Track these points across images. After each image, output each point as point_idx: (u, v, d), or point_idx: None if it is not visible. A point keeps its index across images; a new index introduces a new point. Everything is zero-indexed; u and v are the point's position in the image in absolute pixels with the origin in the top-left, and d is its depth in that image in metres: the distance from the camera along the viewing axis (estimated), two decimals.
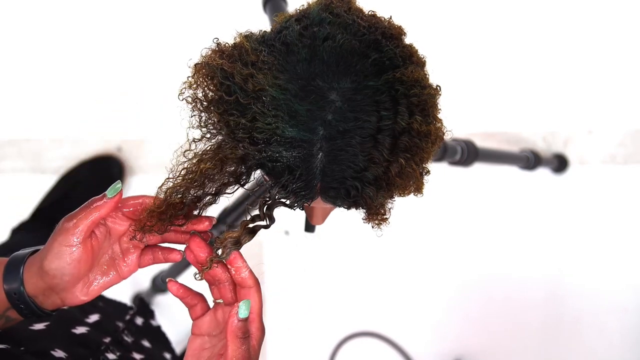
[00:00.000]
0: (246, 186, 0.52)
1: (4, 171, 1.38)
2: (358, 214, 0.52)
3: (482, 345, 1.34)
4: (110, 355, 0.63)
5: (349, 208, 0.50)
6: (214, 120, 0.48)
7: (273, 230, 1.35)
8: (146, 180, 1.36)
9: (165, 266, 1.11)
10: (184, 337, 1.28)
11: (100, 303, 0.75)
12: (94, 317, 0.68)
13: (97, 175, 1.33)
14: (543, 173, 1.30)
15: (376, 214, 0.51)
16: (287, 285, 1.36)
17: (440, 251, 1.34)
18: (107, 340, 0.65)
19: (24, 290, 0.52)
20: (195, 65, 0.49)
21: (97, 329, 0.66)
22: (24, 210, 1.28)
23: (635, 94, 1.29)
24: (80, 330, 0.64)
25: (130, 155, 1.37)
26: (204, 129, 0.50)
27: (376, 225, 0.52)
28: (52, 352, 0.57)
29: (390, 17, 0.52)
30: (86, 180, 1.33)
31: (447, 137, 0.52)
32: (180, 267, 1.10)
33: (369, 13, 0.51)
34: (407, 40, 0.51)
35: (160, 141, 1.37)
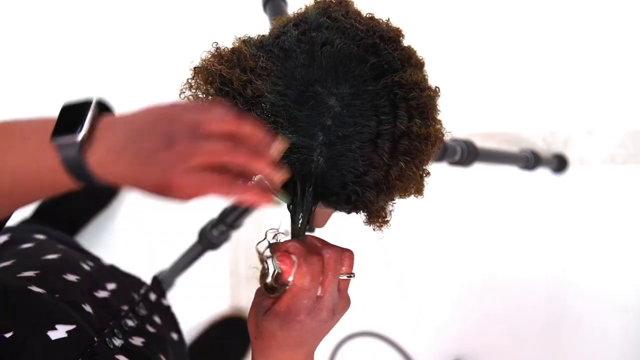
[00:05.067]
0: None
1: None
2: (359, 216, 0.52)
3: (482, 345, 1.34)
4: (130, 322, 0.64)
5: (349, 212, 0.51)
6: None
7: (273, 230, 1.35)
8: None
9: (165, 265, 1.12)
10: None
11: (117, 273, 0.76)
12: (111, 286, 0.69)
13: None
14: (543, 173, 1.30)
15: (377, 217, 0.51)
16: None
17: (440, 251, 1.34)
18: (126, 308, 0.66)
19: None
20: (195, 68, 0.49)
21: (116, 296, 0.67)
22: (24, 209, 1.28)
23: (635, 94, 1.29)
24: (102, 294, 0.65)
25: None
26: None
27: (377, 228, 0.52)
28: (84, 306, 0.57)
29: (389, 19, 0.52)
30: None
31: (447, 137, 0.52)
32: (180, 267, 1.10)
33: (367, 15, 0.51)
34: (406, 41, 0.51)
35: None
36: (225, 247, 1.07)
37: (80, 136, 0.40)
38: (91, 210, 1.34)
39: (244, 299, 1.37)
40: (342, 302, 0.49)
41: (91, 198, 1.33)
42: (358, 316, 1.36)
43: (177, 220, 1.34)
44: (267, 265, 0.48)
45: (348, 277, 0.48)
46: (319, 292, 0.46)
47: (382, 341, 1.34)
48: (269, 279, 0.47)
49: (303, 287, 0.45)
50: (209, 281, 1.35)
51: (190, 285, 1.17)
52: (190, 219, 1.10)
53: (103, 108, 0.43)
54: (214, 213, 0.98)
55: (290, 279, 0.45)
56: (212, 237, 0.98)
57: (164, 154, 0.39)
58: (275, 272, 0.47)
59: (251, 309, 0.49)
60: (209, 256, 1.07)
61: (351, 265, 0.48)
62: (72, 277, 0.61)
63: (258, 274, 0.48)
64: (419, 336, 1.34)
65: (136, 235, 1.37)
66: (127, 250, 1.39)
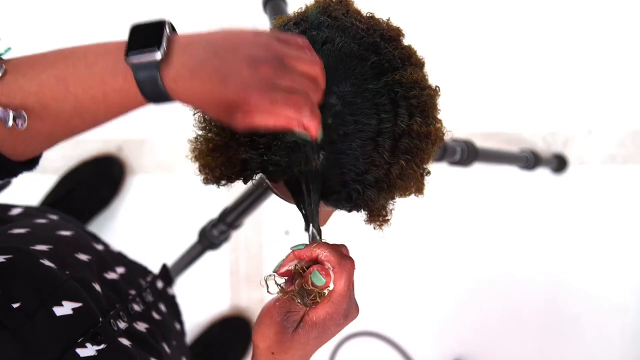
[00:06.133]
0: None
1: None
2: (359, 215, 0.52)
3: (482, 345, 1.34)
4: (136, 306, 0.64)
5: (350, 211, 0.51)
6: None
7: (273, 230, 1.35)
8: (147, 180, 1.36)
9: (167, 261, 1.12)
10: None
11: (125, 260, 0.76)
12: (120, 269, 0.69)
13: (97, 175, 1.33)
14: (543, 173, 1.30)
15: (378, 216, 0.51)
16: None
17: (440, 251, 1.34)
18: (133, 292, 0.66)
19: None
20: None
21: (125, 280, 0.67)
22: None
23: (635, 94, 1.29)
24: (112, 276, 0.65)
25: (130, 155, 1.37)
26: (207, 128, 0.49)
27: (378, 227, 0.52)
28: (94, 285, 0.57)
29: (389, 19, 0.52)
30: (87, 180, 1.33)
31: (447, 137, 0.52)
32: (182, 264, 1.10)
33: (367, 15, 0.51)
34: (406, 41, 0.51)
35: (160, 141, 1.37)
36: (225, 247, 1.07)
37: (159, 54, 0.40)
38: (92, 210, 1.34)
39: (244, 299, 1.37)
40: (353, 305, 0.49)
41: (92, 198, 1.33)
42: (358, 316, 1.36)
43: (177, 220, 1.34)
44: (299, 280, 0.47)
45: None
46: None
47: (382, 341, 1.34)
48: (299, 295, 0.46)
49: (342, 293, 0.45)
50: (209, 281, 1.35)
51: (190, 285, 1.17)
52: (190, 219, 1.11)
53: (173, 30, 0.43)
54: (214, 213, 0.98)
55: (331, 286, 0.45)
56: (212, 237, 0.98)
57: (248, 72, 0.40)
58: (311, 283, 0.46)
59: (267, 326, 0.46)
60: (209, 256, 1.07)
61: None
62: (83, 257, 0.61)
63: (280, 291, 0.47)
64: (419, 336, 1.34)
65: (136, 234, 1.37)
66: (128, 250, 1.39)
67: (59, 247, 0.58)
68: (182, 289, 1.13)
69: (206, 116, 0.49)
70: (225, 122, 0.42)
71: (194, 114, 0.50)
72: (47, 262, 0.53)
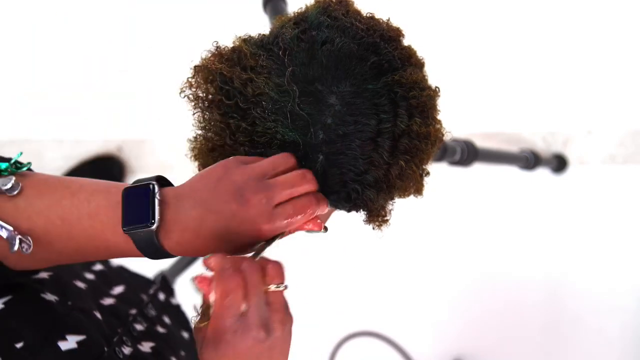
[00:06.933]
0: None
1: None
2: (358, 215, 0.52)
3: (482, 345, 1.34)
4: (138, 326, 0.63)
5: (349, 211, 0.50)
6: (216, 119, 0.48)
7: None
8: None
9: (165, 265, 1.12)
10: None
11: (125, 274, 0.76)
12: (118, 289, 0.68)
13: (97, 175, 1.33)
14: (543, 173, 1.30)
15: (377, 216, 0.51)
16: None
17: (440, 251, 1.34)
18: (134, 311, 0.65)
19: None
20: (195, 67, 0.49)
21: (123, 300, 0.66)
22: None
23: (635, 94, 1.29)
24: (108, 302, 0.64)
25: (130, 155, 1.37)
26: (207, 128, 0.49)
27: (377, 227, 0.52)
28: (95, 313, 0.56)
29: (389, 19, 0.52)
30: None
31: (447, 137, 0.52)
32: (180, 267, 1.10)
33: (367, 15, 0.51)
34: (406, 41, 0.51)
35: (160, 141, 1.37)
36: None
37: (154, 225, 0.42)
38: None
39: None
40: (277, 316, 0.43)
41: None
42: (358, 316, 1.37)
43: None
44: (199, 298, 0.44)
45: (277, 287, 0.44)
46: (243, 308, 0.42)
47: (382, 341, 1.34)
48: (198, 311, 0.44)
49: (222, 305, 0.42)
50: None
51: (189, 287, 1.17)
52: None
53: (162, 183, 0.45)
54: None
55: (212, 299, 0.42)
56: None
57: (241, 209, 0.43)
58: (203, 301, 0.44)
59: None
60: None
61: (279, 276, 0.45)
62: (80, 285, 0.61)
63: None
64: (419, 336, 1.34)
65: None
66: None
67: (59, 274, 0.57)
68: (180, 291, 1.13)
69: (205, 116, 0.49)
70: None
71: (194, 114, 0.50)
72: (48, 296, 0.52)
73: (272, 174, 0.45)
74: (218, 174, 0.44)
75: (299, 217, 0.44)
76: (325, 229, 0.47)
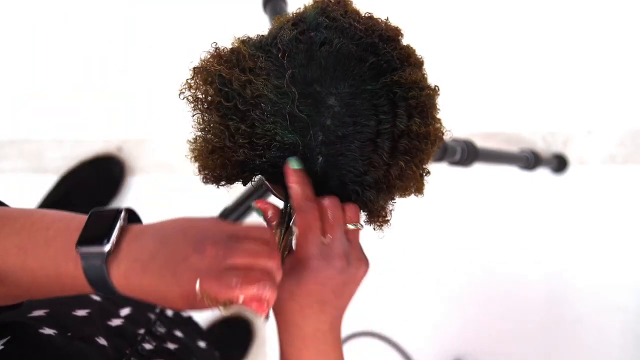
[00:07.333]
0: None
1: (5, 171, 1.39)
2: None
3: (482, 345, 1.34)
4: (147, 345, 0.63)
5: None
6: (215, 121, 0.48)
7: None
8: (147, 180, 1.36)
9: None
10: None
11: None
12: (125, 311, 0.68)
13: (97, 175, 1.34)
14: (543, 173, 1.30)
15: (377, 217, 0.51)
16: None
17: (440, 251, 1.34)
18: (142, 331, 0.65)
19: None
20: (194, 69, 0.49)
21: (131, 321, 0.66)
22: None
23: (635, 94, 1.29)
24: (116, 322, 0.64)
25: (130, 155, 1.37)
26: (206, 130, 0.49)
27: (377, 227, 0.52)
28: (97, 339, 0.56)
29: (387, 19, 0.52)
30: (87, 180, 1.33)
31: (447, 137, 0.52)
32: None
33: (366, 15, 0.51)
34: (405, 40, 0.51)
35: (160, 141, 1.37)
36: None
37: (107, 246, 0.40)
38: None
39: None
40: (356, 253, 0.49)
41: (92, 198, 1.33)
42: (358, 316, 1.36)
43: None
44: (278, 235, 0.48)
45: (355, 226, 0.49)
46: (326, 240, 0.46)
47: (382, 341, 1.34)
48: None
49: (305, 230, 0.45)
50: None
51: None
52: None
53: (133, 217, 0.44)
54: (214, 213, 0.98)
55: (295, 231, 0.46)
56: None
57: (195, 257, 0.40)
58: (282, 239, 0.47)
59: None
60: None
61: (356, 215, 0.49)
62: (81, 312, 0.60)
63: None
64: (419, 336, 1.34)
65: None
66: None
67: (55, 309, 0.57)
68: None
69: (205, 117, 0.49)
70: (190, 309, 0.41)
71: (193, 116, 0.50)
72: (47, 330, 0.52)
73: (243, 239, 0.42)
74: (193, 222, 0.43)
75: (248, 290, 0.40)
76: (267, 317, 0.43)
